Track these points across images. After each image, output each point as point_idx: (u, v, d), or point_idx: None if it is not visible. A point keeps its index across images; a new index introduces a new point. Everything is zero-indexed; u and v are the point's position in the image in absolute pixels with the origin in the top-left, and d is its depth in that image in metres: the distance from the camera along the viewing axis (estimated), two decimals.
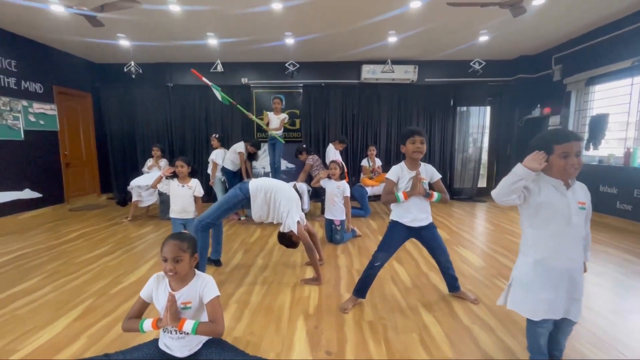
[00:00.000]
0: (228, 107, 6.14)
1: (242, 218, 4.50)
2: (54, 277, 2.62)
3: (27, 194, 4.74)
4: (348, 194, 3.31)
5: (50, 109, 5.12)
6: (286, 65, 5.37)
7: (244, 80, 6.16)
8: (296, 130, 6.29)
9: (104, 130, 6.20)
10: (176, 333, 1.45)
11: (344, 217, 3.35)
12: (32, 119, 4.82)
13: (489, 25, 4.45)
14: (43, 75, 5.01)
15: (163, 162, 4.86)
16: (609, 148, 4.46)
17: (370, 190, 4.58)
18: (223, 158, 4.55)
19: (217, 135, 4.70)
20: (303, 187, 4.43)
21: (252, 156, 4.59)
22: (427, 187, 2.04)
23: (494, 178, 6.52)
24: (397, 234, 2.06)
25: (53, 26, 4.33)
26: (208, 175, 4.78)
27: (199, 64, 6.11)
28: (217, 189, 4.62)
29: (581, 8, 3.90)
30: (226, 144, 4.79)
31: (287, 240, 2.56)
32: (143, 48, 5.22)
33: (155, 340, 1.54)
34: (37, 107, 4.89)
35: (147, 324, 1.41)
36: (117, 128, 6.20)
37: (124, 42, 4.96)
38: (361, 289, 2.11)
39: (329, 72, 6.15)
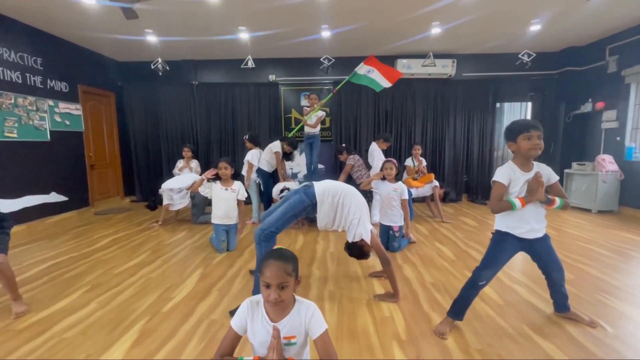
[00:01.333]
0: (254, 105, 5.91)
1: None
2: (96, 291, 2.36)
3: (54, 197, 4.54)
4: (406, 196, 3.01)
5: (75, 109, 4.91)
6: (321, 60, 5.08)
7: (272, 78, 5.90)
8: (326, 129, 6.00)
9: (126, 130, 5.99)
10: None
11: (402, 223, 3.05)
12: (58, 119, 4.61)
13: (542, 15, 4.12)
14: (68, 74, 4.81)
15: (194, 163, 4.61)
16: None
17: (414, 192, 4.26)
18: (259, 159, 4.28)
19: (247, 136, 4.43)
20: None
21: (287, 156, 4.30)
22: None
23: None
24: (506, 248, 1.75)
25: (79, 21, 4.12)
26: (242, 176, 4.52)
27: (227, 61, 5.90)
28: (252, 192, 4.34)
29: None
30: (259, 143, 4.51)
31: (358, 250, 2.26)
32: (167, 45, 4.98)
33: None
34: (63, 106, 4.69)
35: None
36: (141, 128, 5.99)
37: (152, 38, 4.72)
38: (460, 311, 1.81)
39: None
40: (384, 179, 3.06)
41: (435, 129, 5.90)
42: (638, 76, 4.47)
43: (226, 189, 3.13)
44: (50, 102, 4.48)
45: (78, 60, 5.03)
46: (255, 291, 2.16)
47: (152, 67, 4.89)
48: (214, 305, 2.13)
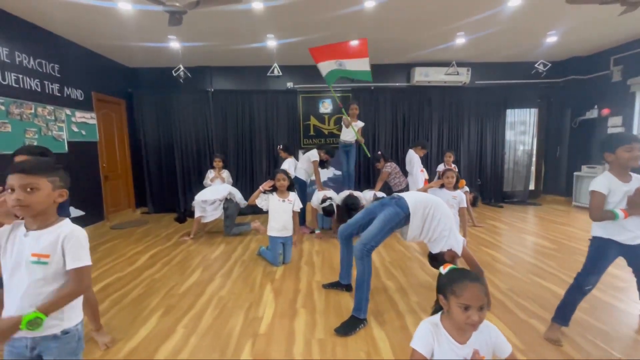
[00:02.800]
0: (272, 113, 5.83)
1: (317, 231, 4.17)
2: (174, 314, 2.23)
3: (73, 212, 4.24)
4: (465, 204, 3.08)
5: (90, 118, 4.64)
6: None
7: (290, 85, 5.85)
8: None
9: (137, 139, 5.73)
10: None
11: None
12: (75, 129, 4.34)
13: (559, 27, 4.37)
14: (82, 81, 4.54)
15: (225, 173, 4.48)
16: None
17: None
18: (295, 167, 4.22)
19: (281, 146, 4.37)
20: (368, 196, 4.14)
21: (323, 164, 4.28)
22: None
23: (542, 180, 6.45)
24: (609, 254, 1.83)
25: (99, 27, 3.91)
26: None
27: (244, 68, 5.79)
28: None
29: None
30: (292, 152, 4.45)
31: (438, 261, 2.29)
32: (182, 51, 4.80)
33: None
34: (79, 115, 4.42)
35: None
36: (153, 137, 5.75)
37: (175, 44, 4.56)
38: (565, 316, 1.87)
39: (377, 75, 5.89)
40: (442, 186, 3.11)
41: (450, 135, 6.07)
42: None
43: (283, 201, 3.06)
44: (68, 111, 4.22)
45: (91, 66, 4.77)
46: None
47: (174, 74, 4.73)
48: (312, 324, 2.07)
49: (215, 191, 4.10)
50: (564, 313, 1.88)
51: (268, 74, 4.76)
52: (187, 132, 5.78)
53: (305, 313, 2.22)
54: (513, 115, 6.21)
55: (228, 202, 4.12)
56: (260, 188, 3.06)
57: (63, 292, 1.06)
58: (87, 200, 4.52)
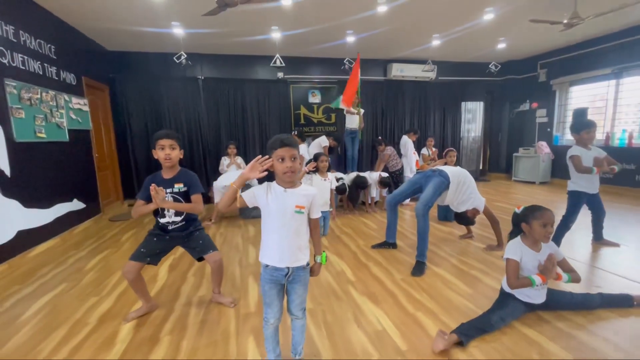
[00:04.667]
0: (264, 102, 6.05)
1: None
2: None
3: (76, 205, 4.03)
4: None
5: (84, 104, 4.35)
6: (344, 61, 5.58)
7: (280, 75, 6.11)
8: (332, 124, 6.53)
9: (122, 127, 5.44)
10: (542, 285, 1.85)
11: None
12: (73, 116, 4.07)
13: (507, 35, 5.48)
14: (74, 64, 4.23)
15: (239, 159, 4.66)
16: None
17: None
18: (307, 152, 4.62)
19: (295, 132, 4.72)
20: (374, 176, 4.80)
21: (331, 149, 4.76)
22: None
23: (488, 161, 7.86)
24: (582, 199, 2.77)
25: (98, 9, 3.74)
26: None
27: (234, 56, 5.85)
28: None
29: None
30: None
31: (466, 218, 3.03)
32: (171, 36, 4.69)
33: (511, 295, 1.91)
34: (75, 102, 4.14)
35: (538, 279, 1.78)
36: (140, 126, 5.53)
37: (178, 31, 4.51)
38: (558, 242, 2.75)
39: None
40: (445, 164, 3.86)
41: (419, 123, 7.02)
42: (561, 85, 6.31)
43: (324, 180, 3.50)
44: (66, 97, 3.94)
45: (79, 48, 4.44)
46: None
47: (176, 60, 4.68)
48: (386, 272, 2.62)
49: (233, 177, 4.23)
50: (556, 242, 2.75)
51: (271, 64, 4.98)
52: (176, 121, 5.68)
53: (373, 265, 2.75)
54: (466, 107, 7.41)
55: (246, 187, 4.34)
56: (305, 169, 3.44)
57: (315, 235, 1.50)
58: (84, 192, 4.29)
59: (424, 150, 5.58)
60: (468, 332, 1.69)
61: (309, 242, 1.48)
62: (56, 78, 3.81)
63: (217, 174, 4.83)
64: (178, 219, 2.01)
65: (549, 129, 6.61)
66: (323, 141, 4.60)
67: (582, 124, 2.76)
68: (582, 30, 5.22)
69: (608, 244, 3.02)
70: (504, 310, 1.82)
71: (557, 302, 1.93)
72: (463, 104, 7.33)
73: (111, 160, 5.29)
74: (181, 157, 1.97)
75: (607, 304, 1.96)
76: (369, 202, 4.61)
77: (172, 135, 1.94)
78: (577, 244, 3.09)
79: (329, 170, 3.75)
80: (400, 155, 5.04)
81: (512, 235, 1.97)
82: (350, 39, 5.17)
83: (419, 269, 2.56)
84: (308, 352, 1.65)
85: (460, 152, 7.39)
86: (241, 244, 3.41)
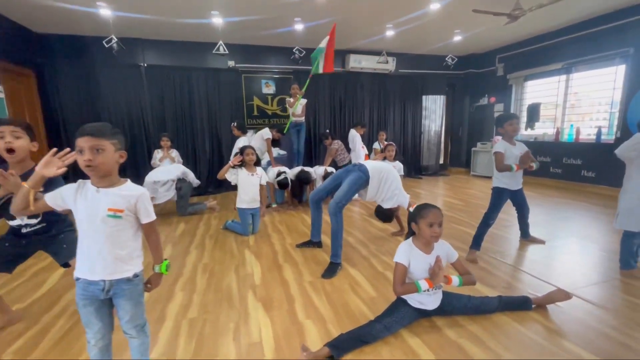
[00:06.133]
0: (214, 91, 5.75)
1: (274, 205, 4.48)
2: (167, 282, 2.35)
3: None
4: (402, 172, 3.77)
5: None
6: (293, 50, 5.33)
7: (231, 64, 5.81)
8: (287, 116, 6.28)
9: (53, 117, 5.03)
10: (433, 289, 1.73)
11: None
12: None
13: (462, 27, 5.38)
14: None
15: (174, 153, 4.38)
16: (543, 128, 6.01)
17: None
18: None
19: (235, 124, 4.47)
20: (319, 171, 4.62)
21: (275, 142, 4.54)
22: None
23: (449, 155, 7.85)
24: (504, 197, 2.67)
25: None
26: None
27: (180, 42, 5.49)
28: None
29: (527, 19, 5.08)
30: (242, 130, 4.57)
31: (385, 215, 2.91)
32: (112, 19, 4.35)
33: (403, 301, 1.78)
34: None
35: (424, 284, 1.65)
36: (73, 116, 5.14)
37: (105, 12, 4.13)
38: (478, 243, 2.66)
39: None
40: (384, 159, 3.73)
41: (379, 116, 6.89)
42: (517, 80, 6.29)
43: (252, 174, 3.29)
44: None
45: None
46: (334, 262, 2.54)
47: (106, 45, 4.32)
48: (298, 273, 2.45)
49: (167, 171, 4.02)
50: (476, 241, 2.66)
51: (214, 52, 4.69)
52: (117, 111, 5.31)
53: (289, 266, 2.58)
54: (427, 101, 7.33)
55: (181, 182, 4.10)
56: (230, 163, 3.21)
57: (153, 243, 1.32)
58: None
59: (376, 145, 5.45)
60: (343, 345, 1.54)
61: (141, 249, 1.28)
62: None
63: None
64: (34, 221, 1.76)
65: None
66: (266, 133, 4.37)
67: (504, 117, 2.68)
68: (535, 24, 5.18)
69: (535, 241, 2.96)
70: (391, 318, 1.69)
71: (452, 307, 1.81)
72: (424, 97, 7.25)
73: (40, 154, 4.86)
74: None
75: (506, 308, 1.86)
76: None
77: (16, 121, 1.65)
78: (503, 242, 3.03)
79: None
80: (348, 149, 4.87)
81: (407, 236, 1.83)
82: (299, 26, 4.92)
83: (330, 270, 2.41)
84: None
85: (421, 146, 7.33)
86: (180, 242, 3.18)
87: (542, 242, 2.93)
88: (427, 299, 1.74)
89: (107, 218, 1.16)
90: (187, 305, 2.03)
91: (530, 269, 2.43)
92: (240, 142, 4.34)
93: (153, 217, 1.27)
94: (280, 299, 2.07)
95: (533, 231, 3.01)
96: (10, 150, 1.60)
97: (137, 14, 4.23)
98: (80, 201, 1.17)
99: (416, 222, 1.71)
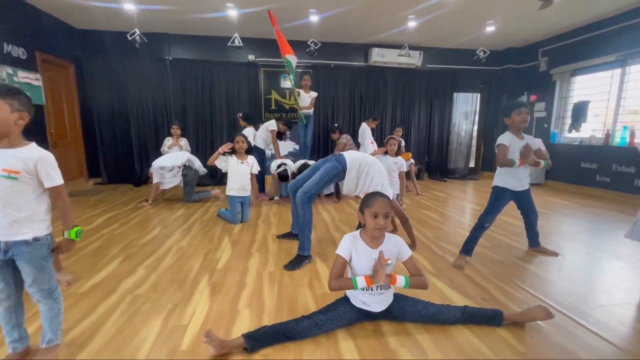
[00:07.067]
0: (233, 85, 5.87)
1: (276, 197, 4.44)
2: (135, 259, 2.40)
3: None
4: (405, 169, 3.49)
5: (35, 79, 4.39)
6: (308, 43, 5.27)
7: (251, 58, 5.89)
8: None
9: (88, 105, 5.49)
10: (379, 289, 1.52)
11: (399, 191, 3.53)
12: None
13: (496, 17, 4.88)
14: (25, 38, 4.26)
15: (184, 141, 4.53)
16: (591, 130, 5.24)
17: None
18: (254, 136, 4.39)
19: (240, 114, 4.50)
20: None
21: (281, 135, 4.49)
22: None
23: (481, 158, 7.21)
24: (504, 198, 2.34)
25: None
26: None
27: (203, 37, 5.71)
28: None
29: (572, 6, 4.45)
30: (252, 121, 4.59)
31: None
32: (140, 15, 4.64)
33: (346, 299, 1.59)
34: (22, 75, 4.18)
35: (361, 281, 1.46)
36: (106, 105, 5.55)
37: (129, 6, 4.41)
38: (470, 248, 2.35)
39: (337, 53, 6.14)
40: (386, 153, 3.49)
41: (403, 114, 6.54)
42: (562, 75, 5.57)
43: (242, 163, 3.26)
44: (9, 70, 3.98)
45: (34, 23, 4.47)
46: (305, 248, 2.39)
47: (129, 38, 4.58)
48: (264, 263, 2.36)
49: (174, 158, 4.16)
50: (468, 246, 2.34)
51: (229, 44, 4.78)
52: (143, 101, 5.65)
53: (259, 255, 2.49)
54: (458, 99, 6.80)
55: (187, 169, 4.21)
56: (220, 150, 3.22)
57: (60, 208, 1.30)
58: None
59: None
60: (262, 338, 1.41)
61: (47, 212, 1.27)
62: None
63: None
64: None
65: (545, 125, 5.90)
66: (271, 125, 4.33)
67: (512, 105, 2.34)
68: (583, 12, 4.54)
69: (545, 252, 2.55)
70: (325, 315, 1.51)
71: (403, 312, 1.58)
72: (455, 94, 6.74)
73: (74, 138, 5.36)
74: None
75: (471, 320, 1.58)
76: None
77: None
78: (506, 249, 2.64)
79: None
80: (358, 144, 4.66)
81: (357, 228, 1.64)
82: (314, 18, 4.83)
83: (294, 262, 2.27)
84: (70, 340, 1.45)
85: (448, 147, 6.81)
86: (171, 225, 3.27)
87: (554, 254, 2.51)
88: (371, 300, 1.53)
89: (2, 179, 1.16)
90: (141, 283, 2.03)
91: (528, 283, 2.07)
92: (246, 133, 4.35)
93: (58, 182, 1.26)
94: (231, 286, 1.99)
95: (553, 242, 2.60)
96: None
97: (159, 5, 4.44)
98: None
99: (362, 212, 1.52)
